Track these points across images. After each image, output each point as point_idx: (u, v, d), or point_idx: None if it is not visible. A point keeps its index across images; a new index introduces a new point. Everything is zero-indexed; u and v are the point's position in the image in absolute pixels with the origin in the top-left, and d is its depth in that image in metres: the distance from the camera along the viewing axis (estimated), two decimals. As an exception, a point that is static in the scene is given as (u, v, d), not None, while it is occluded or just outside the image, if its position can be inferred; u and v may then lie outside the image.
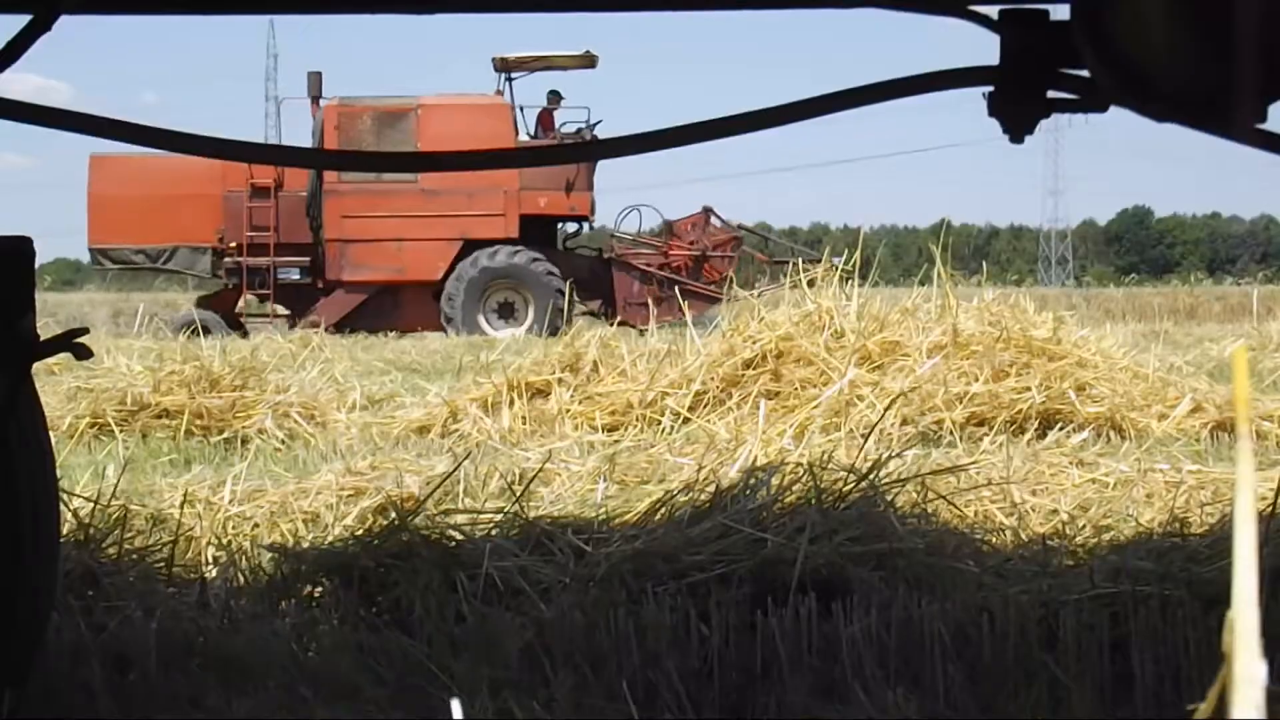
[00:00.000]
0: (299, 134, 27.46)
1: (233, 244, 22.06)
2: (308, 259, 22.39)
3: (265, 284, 22.29)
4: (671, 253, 22.76)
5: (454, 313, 21.59)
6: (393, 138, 21.84)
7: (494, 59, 22.92)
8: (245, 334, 20.19)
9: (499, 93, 22.91)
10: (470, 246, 22.07)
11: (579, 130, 22.72)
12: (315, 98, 22.35)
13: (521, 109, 22.75)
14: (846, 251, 8.92)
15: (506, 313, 21.79)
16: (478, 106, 22.12)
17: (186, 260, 22.57)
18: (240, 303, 22.97)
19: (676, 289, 19.73)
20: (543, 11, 2.71)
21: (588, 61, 22.99)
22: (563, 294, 20.88)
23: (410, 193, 21.90)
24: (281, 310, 22.56)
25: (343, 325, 21.22)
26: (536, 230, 22.65)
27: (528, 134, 22.74)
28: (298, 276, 22.34)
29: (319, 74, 22.42)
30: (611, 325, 10.33)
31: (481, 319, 21.54)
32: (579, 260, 23.18)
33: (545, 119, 22.85)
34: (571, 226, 24.14)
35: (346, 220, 21.94)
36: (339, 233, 22.05)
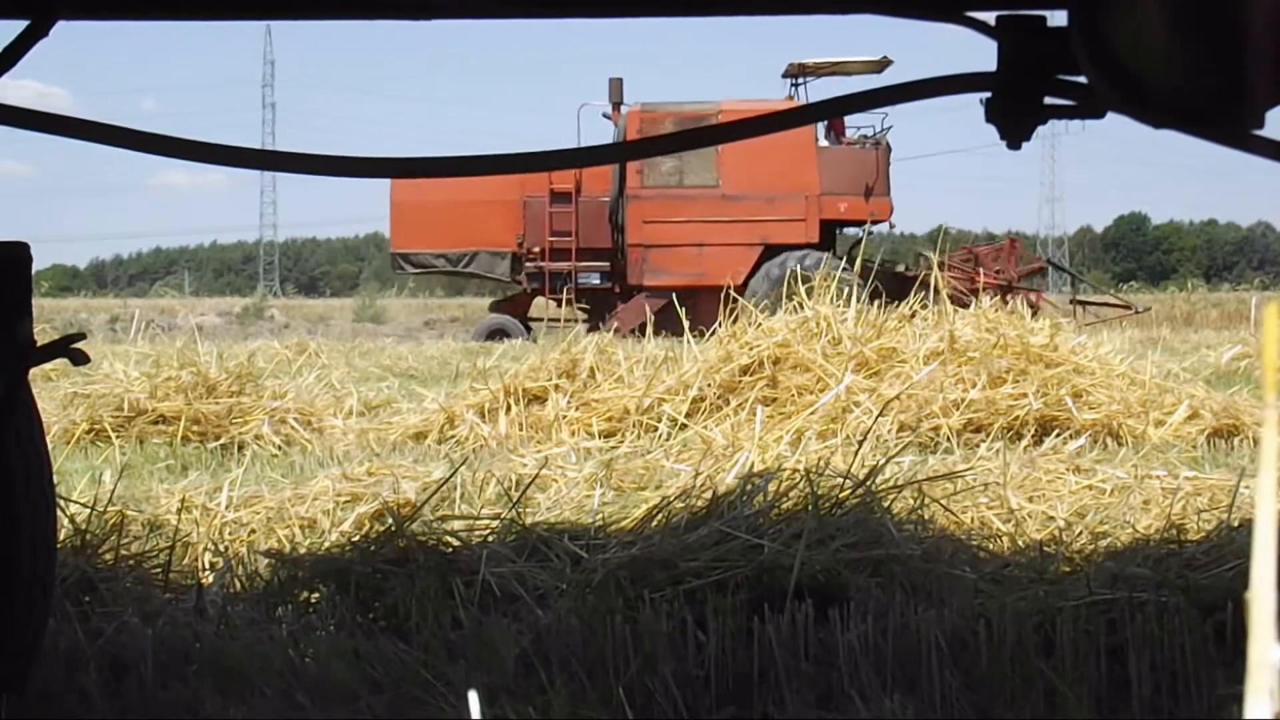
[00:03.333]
0: (600, 139, 27.71)
1: (535, 248, 22.18)
2: (607, 264, 22.50)
3: (566, 288, 22.38)
4: (978, 280, 22.68)
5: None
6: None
7: (789, 64, 23.03)
8: (534, 338, 20.45)
9: (789, 98, 22.99)
10: (769, 251, 22.05)
11: (871, 135, 22.79)
12: (616, 104, 22.57)
13: None
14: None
15: None
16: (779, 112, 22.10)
17: (486, 265, 22.76)
18: (532, 306, 23.15)
19: None
20: (541, 17, 2.71)
21: (879, 66, 23.06)
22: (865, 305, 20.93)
23: (711, 198, 22.04)
24: (580, 315, 22.69)
25: (642, 330, 21.32)
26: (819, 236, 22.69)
27: (826, 140, 22.81)
28: (598, 281, 22.47)
29: (620, 80, 22.61)
30: None
31: None
32: (867, 270, 23.10)
33: (836, 124, 22.89)
34: (847, 231, 24.06)
35: (648, 225, 22.09)
36: (640, 238, 22.19)
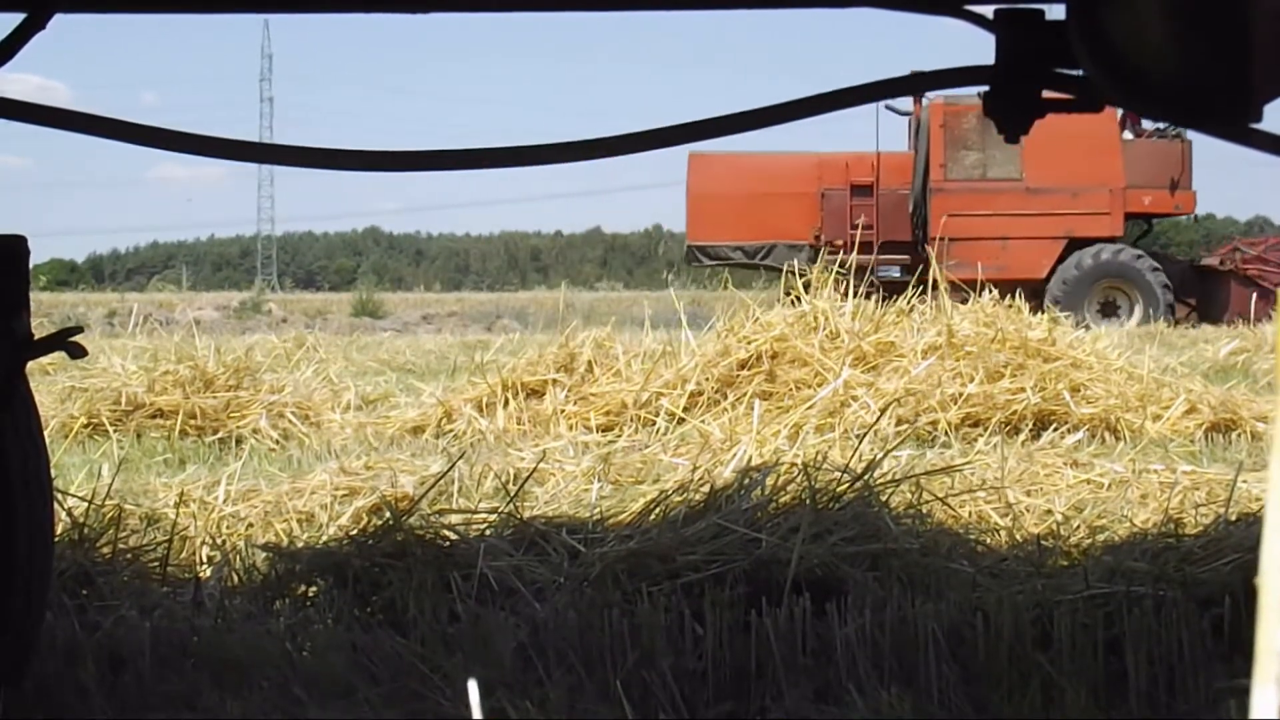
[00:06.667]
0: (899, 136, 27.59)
1: (837, 241, 22.05)
2: (907, 257, 22.45)
3: (867, 282, 22.30)
4: None
5: (1061, 308, 21.45)
6: (997, 136, 21.94)
7: None
8: None
9: None
10: (1073, 245, 21.97)
11: (1166, 127, 22.75)
12: (917, 97, 22.47)
13: None
14: None
15: (1108, 311, 21.66)
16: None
17: (783, 257, 22.65)
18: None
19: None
20: (539, 10, 2.71)
21: None
22: (1172, 299, 21.14)
23: (1015, 191, 21.97)
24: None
25: None
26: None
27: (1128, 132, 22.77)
28: (898, 275, 22.38)
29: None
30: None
31: (1086, 316, 21.43)
32: (1170, 264, 22.94)
33: (1133, 115, 22.87)
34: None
35: (951, 219, 21.92)
36: (944, 231, 21.90)
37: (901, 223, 22.58)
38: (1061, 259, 21.99)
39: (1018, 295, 8.87)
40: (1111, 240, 22.08)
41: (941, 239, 21.99)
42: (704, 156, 22.57)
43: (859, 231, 22.17)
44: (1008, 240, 21.97)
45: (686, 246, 23.26)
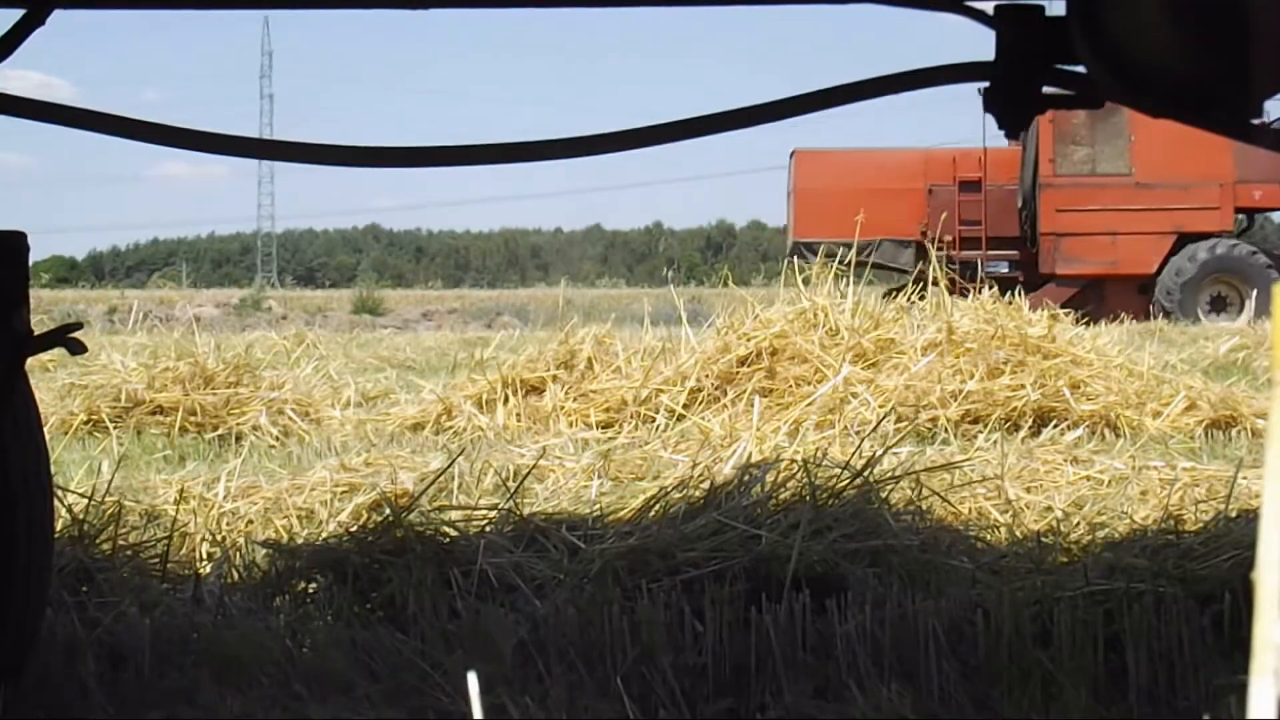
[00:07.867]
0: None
1: (946, 237, 22.04)
2: (1015, 252, 22.40)
3: (973, 278, 22.31)
4: None
5: (1172, 303, 21.51)
6: (1106, 131, 21.92)
7: None
8: None
9: None
10: (1182, 240, 21.94)
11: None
12: None
13: None
14: None
15: (1218, 306, 21.72)
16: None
17: (889, 254, 22.56)
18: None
19: None
20: (537, 7, 2.70)
21: None
22: None
23: (1124, 186, 21.90)
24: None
25: None
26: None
27: None
28: (1006, 270, 22.24)
29: None
30: None
31: (1198, 311, 21.48)
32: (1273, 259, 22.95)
33: None
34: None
35: (1061, 214, 21.97)
36: (1053, 226, 22.06)
37: (1006, 219, 22.53)
38: (1171, 254, 21.94)
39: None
40: (1221, 235, 22.06)
41: (1051, 234, 22.04)
42: (810, 153, 22.64)
43: (967, 227, 22.17)
44: (1117, 235, 21.93)
45: (791, 243, 23.13)
